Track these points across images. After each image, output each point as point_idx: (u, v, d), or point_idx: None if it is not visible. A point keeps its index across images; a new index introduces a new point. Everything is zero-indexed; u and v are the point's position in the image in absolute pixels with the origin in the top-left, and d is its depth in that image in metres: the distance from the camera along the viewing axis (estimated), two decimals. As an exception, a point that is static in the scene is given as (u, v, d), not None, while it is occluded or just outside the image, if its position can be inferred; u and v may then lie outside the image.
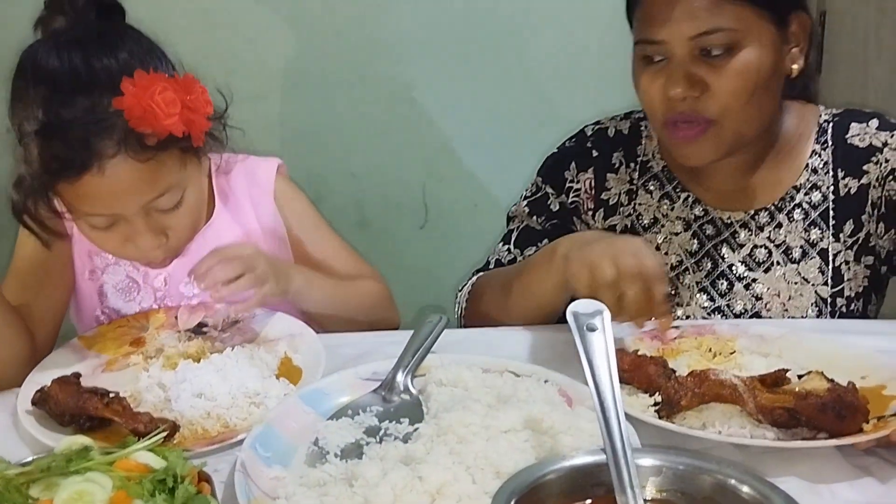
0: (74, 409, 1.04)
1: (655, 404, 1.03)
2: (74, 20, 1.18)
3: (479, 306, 1.40)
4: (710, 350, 1.18)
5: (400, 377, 1.07)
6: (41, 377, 1.13)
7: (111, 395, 1.05)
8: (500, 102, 2.36)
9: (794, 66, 1.30)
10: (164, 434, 0.97)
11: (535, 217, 1.47)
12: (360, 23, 2.28)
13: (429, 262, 2.41)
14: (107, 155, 1.11)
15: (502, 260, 1.47)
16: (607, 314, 0.93)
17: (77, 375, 1.10)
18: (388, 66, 2.32)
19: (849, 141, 1.37)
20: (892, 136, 1.35)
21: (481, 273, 1.46)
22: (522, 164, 1.59)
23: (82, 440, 0.91)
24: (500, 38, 2.31)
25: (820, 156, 1.38)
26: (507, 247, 1.47)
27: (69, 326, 1.40)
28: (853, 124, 1.38)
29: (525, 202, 1.49)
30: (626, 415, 0.88)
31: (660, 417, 1.01)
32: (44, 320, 1.30)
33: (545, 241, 1.45)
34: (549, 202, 1.47)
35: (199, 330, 1.28)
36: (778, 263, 1.38)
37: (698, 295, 1.40)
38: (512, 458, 0.89)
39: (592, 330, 0.91)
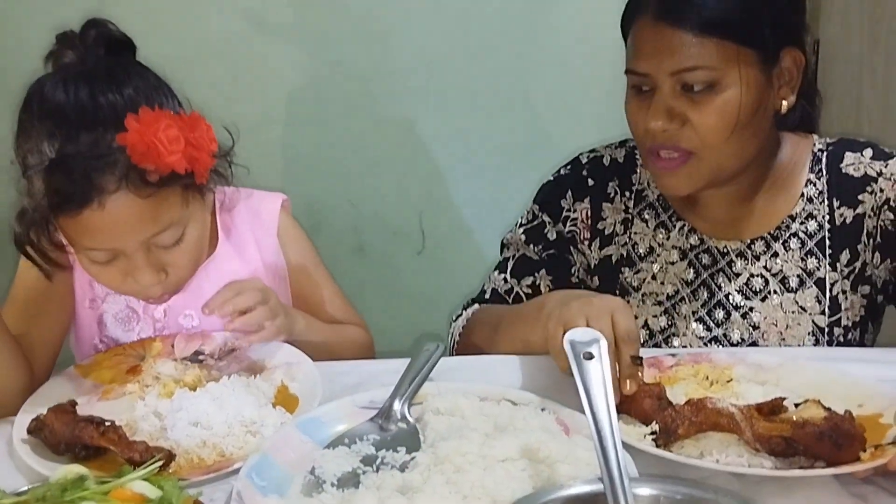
0: (70, 437, 1.04)
1: (653, 433, 1.03)
2: (84, 55, 1.19)
3: (470, 343, 1.40)
4: (707, 378, 1.17)
5: (397, 405, 1.07)
6: (37, 406, 1.13)
7: (107, 423, 1.05)
8: (498, 131, 2.38)
9: (784, 103, 1.31)
10: (160, 463, 0.96)
11: (531, 245, 1.47)
12: (359, 54, 2.30)
13: (426, 289, 2.41)
14: (108, 190, 1.11)
15: (499, 290, 1.46)
16: (604, 343, 0.93)
17: (73, 404, 1.09)
18: (386, 95, 2.33)
19: (843, 170, 1.38)
20: (886, 166, 1.36)
21: (477, 306, 1.46)
22: (520, 192, 1.60)
23: (78, 469, 0.91)
24: (499, 68, 2.33)
25: (815, 185, 1.39)
26: (503, 276, 1.47)
27: (67, 355, 1.40)
28: (847, 153, 1.39)
29: (521, 230, 1.49)
30: (624, 443, 0.88)
31: (657, 446, 1.00)
32: (42, 349, 1.30)
33: (542, 270, 1.45)
34: (545, 231, 1.47)
35: (195, 358, 1.28)
36: (774, 293, 1.38)
37: (695, 324, 1.40)
38: (509, 488, 0.89)
39: (589, 358, 0.91)
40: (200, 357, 1.28)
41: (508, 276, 1.47)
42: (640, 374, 1.09)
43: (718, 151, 1.28)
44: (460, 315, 1.46)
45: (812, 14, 2.22)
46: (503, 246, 1.52)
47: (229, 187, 1.34)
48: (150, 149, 1.09)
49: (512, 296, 1.46)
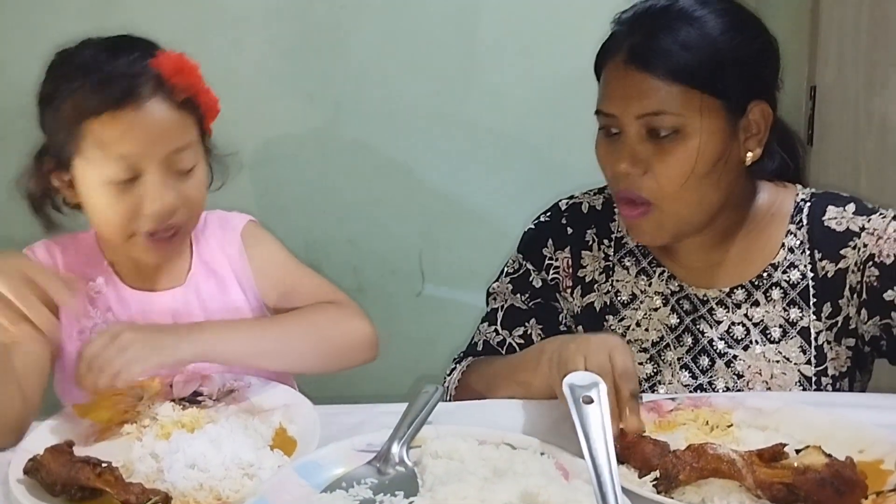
0: (66, 478, 1.03)
1: (654, 479, 1.02)
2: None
3: (467, 397, 1.38)
4: (707, 423, 1.17)
5: (395, 449, 1.06)
6: (33, 445, 1.12)
7: (103, 465, 1.04)
8: (498, 173, 2.39)
9: (749, 155, 1.31)
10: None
11: (518, 295, 1.47)
12: (359, 95, 2.32)
13: (425, 330, 2.40)
14: (144, 95, 1.23)
15: (490, 342, 1.46)
16: (603, 386, 0.93)
17: (70, 444, 1.09)
18: (386, 134, 2.35)
19: (825, 223, 1.36)
20: (868, 221, 1.34)
21: (470, 359, 1.45)
22: (519, 233, 1.60)
23: (73, 511, 0.90)
24: (498, 111, 2.35)
25: (795, 235, 1.38)
26: (493, 328, 1.47)
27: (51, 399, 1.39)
28: (830, 207, 1.37)
29: (507, 279, 1.49)
30: (624, 489, 0.88)
31: (658, 492, 1.00)
32: (31, 381, 1.29)
33: (532, 320, 1.45)
34: (531, 279, 1.48)
35: (193, 399, 1.28)
36: (756, 342, 1.36)
37: (680, 372, 1.39)
38: (508, 534, 0.88)
39: (588, 402, 0.91)
40: (199, 398, 1.28)
41: (500, 328, 1.47)
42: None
43: (676, 201, 1.28)
44: (454, 369, 1.46)
45: (809, 60, 2.25)
46: (489, 295, 1.52)
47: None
48: (180, 67, 1.26)
49: (505, 347, 1.45)
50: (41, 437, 1.16)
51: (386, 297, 2.42)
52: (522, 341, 1.45)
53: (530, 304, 1.47)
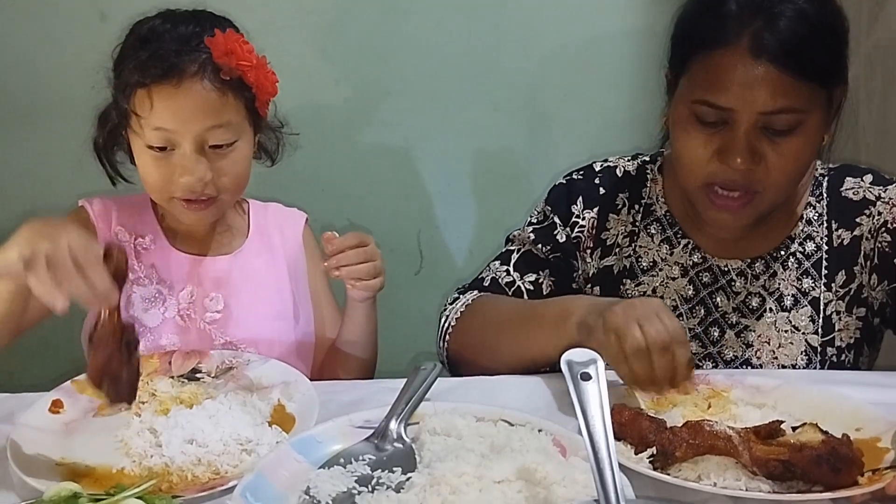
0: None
1: (650, 455, 1.02)
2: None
3: (467, 331, 1.39)
4: (706, 400, 1.17)
5: (393, 425, 1.06)
6: (34, 419, 1.13)
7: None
8: (497, 152, 2.38)
9: (826, 137, 1.30)
10: (154, 482, 0.96)
11: (540, 245, 1.47)
12: (358, 73, 2.31)
13: (423, 309, 2.39)
14: (188, 72, 1.27)
15: (499, 280, 1.45)
16: (601, 363, 0.93)
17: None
18: (385, 114, 2.34)
19: (843, 194, 1.39)
20: (885, 191, 1.37)
21: (476, 292, 1.44)
22: (518, 213, 1.59)
23: (71, 486, 0.90)
24: (499, 90, 2.34)
25: (814, 207, 1.40)
26: (506, 268, 1.46)
27: (69, 363, 1.38)
28: (848, 178, 1.40)
29: (531, 228, 1.49)
30: (621, 465, 0.88)
31: (654, 468, 1.00)
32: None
33: (547, 270, 1.45)
34: (555, 232, 1.47)
35: (192, 376, 1.28)
36: (770, 310, 1.38)
37: (690, 342, 1.39)
38: (505, 509, 0.89)
39: (587, 379, 0.91)
40: (197, 375, 1.28)
41: (511, 269, 1.46)
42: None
43: (779, 189, 1.27)
44: (457, 299, 1.45)
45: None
46: (508, 240, 1.52)
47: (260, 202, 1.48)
48: (230, 50, 1.29)
49: (513, 289, 1.45)
50: (41, 411, 1.16)
51: (385, 276, 2.42)
52: (532, 288, 1.44)
53: (550, 256, 1.46)
